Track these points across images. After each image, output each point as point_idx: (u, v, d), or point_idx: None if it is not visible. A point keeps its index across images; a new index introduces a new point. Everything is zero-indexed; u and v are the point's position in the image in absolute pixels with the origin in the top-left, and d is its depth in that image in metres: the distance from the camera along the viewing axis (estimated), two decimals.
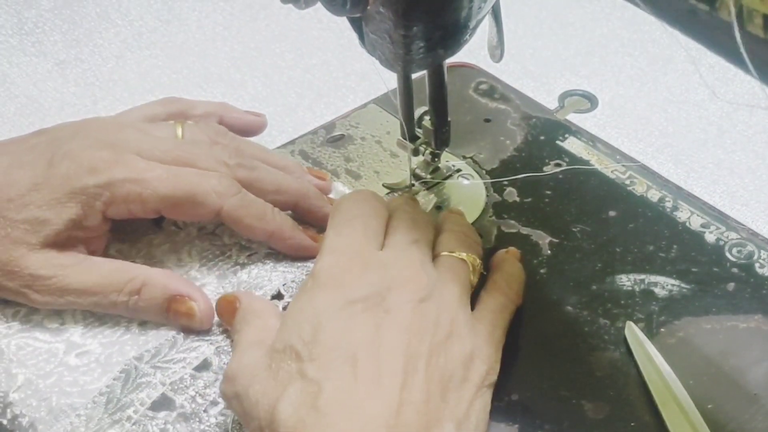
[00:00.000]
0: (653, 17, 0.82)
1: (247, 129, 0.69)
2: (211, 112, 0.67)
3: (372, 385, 0.51)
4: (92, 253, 0.60)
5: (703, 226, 0.66)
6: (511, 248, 0.64)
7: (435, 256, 0.59)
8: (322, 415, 0.49)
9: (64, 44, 0.80)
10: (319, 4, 0.56)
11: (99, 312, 0.59)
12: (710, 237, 0.65)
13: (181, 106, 0.67)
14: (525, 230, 0.65)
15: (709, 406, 0.55)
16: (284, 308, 0.59)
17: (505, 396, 0.57)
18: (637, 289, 0.62)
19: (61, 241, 0.58)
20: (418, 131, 0.66)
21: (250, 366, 0.53)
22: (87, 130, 0.61)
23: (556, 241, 0.65)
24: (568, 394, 0.57)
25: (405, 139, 0.66)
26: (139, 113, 0.65)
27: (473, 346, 0.55)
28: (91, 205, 0.58)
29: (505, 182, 0.69)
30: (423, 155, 0.67)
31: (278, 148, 0.71)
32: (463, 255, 0.59)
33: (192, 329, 0.59)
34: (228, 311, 0.58)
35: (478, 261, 0.60)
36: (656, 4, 0.81)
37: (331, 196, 0.67)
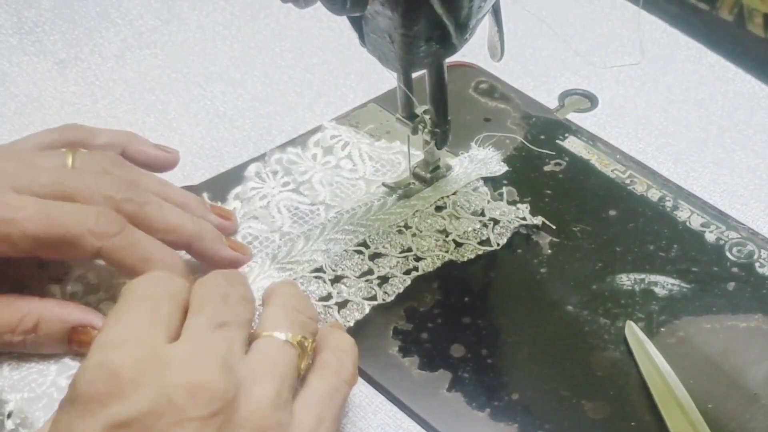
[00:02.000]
0: (653, 17, 0.82)
1: (152, 164, 0.63)
2: (113, 142, 0.62)
3: None
4: None
5: (703, 225, 0.66)
6: (335, 321, 0.58)
7: (253, 338, 0.50)
8: None
9: (64, 43, 0.80)
10: (319, 4, 0.56)
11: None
12: (710, 236, 0.65)
13: (80, 134, 0.62)
14: (525, 230, 0.65)
15: (709, 406, 0.56)
16: None
17: (505, 396, 0.57)
18: (637, 288, 0.62)
19: None
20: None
21: None
22: None
23: (557, 240, 0.65)
24: (568, 394, 0.57)
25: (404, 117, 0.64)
26: (33, 140, 0.61)
27: None
28: None
29: (505, 181, 0.69)
30: (422, 133, 0.65)
31: (278, 147, 0.71)
32: (286, 335, 0.49)
33: None
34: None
35: (309, 341, 0.50)
36: (656, 4, 0.81)
37: (237, 237, 0.63)
